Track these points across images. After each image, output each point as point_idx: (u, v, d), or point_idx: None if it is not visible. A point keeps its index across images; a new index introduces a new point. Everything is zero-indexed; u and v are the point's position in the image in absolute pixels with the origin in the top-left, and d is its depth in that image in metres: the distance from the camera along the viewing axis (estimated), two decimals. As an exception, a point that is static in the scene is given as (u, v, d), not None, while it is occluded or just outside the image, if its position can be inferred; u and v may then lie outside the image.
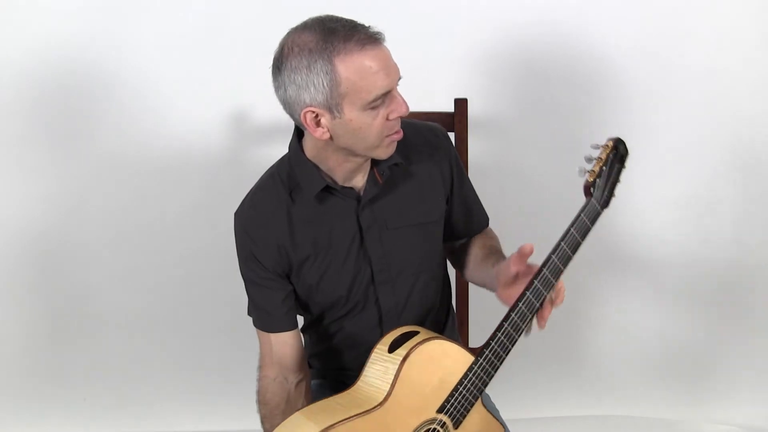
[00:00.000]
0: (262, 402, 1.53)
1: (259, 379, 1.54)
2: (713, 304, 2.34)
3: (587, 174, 1.45)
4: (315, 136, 1.36)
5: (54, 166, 2.22)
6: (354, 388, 1.40)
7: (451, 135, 1.81)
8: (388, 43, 1.33)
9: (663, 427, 2.39)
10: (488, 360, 1.38)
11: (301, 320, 1.58)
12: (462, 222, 1.61)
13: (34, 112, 2.19)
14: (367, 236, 1.47)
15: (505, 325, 1.38)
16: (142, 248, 2.27)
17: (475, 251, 1.61)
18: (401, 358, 1.35)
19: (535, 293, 1.37)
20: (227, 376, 2.30)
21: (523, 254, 1.38)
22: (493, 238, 1.66)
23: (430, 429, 1.37)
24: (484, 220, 1.65)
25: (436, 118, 1.80)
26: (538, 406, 2.34)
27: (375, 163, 1.44)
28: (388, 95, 1.31)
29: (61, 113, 2.18)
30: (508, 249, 2.30)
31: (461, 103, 1.82)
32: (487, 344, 1.38)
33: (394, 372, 1.34)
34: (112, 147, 2.21)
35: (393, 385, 1.34)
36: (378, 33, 1.31)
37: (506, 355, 1.39)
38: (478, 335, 1.75)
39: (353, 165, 1.42)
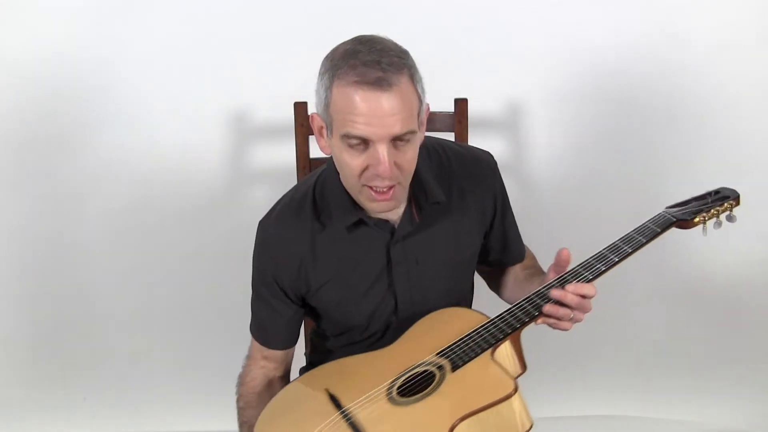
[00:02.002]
0: (241, 383, 1.53)
1: (245, 366, 1.55)
2: (713, 303, 2.34)
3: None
4: (320, 148, 1.33)
5: (54, 166, 2.22)
6: None
7: (451, 135, 1.82)
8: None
9: (663, 427, 2.39)
10: (503, 320, 1.34)
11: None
12: (497, 253, 1.57)
13: (34, 112, 2.18)
14: (395, 270, 1.42)
15: (524, 302, 1.36)
16: (142, 248, 2.26)
17: (516, 273, 1.58)
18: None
19: (564, 279, 1.35)
20: (227, 376, 2.27)
21: (560, 263, 1.35)
22: (532, 258, 1.62)
23: (426, 369, 1.33)
24: (519, 254, 1.60)
25: (436, 118, 1.80)
26: (538, 406, 2.34)
27: (415, 198, 1.39)
28: (371, 144, 1.23)
29: (61, 114, 2.18)
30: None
31: (461, 103, 1.82)
32: (504, 312, 1.36)
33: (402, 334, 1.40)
34: (112, 147, 2.21)
35: (399, 338, 1.40)
36: (391, 78, 1.20)
37: (520, 324, 1.33)
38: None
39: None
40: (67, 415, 2.38)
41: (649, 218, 1.48)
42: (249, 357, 1.55)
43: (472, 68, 2.16)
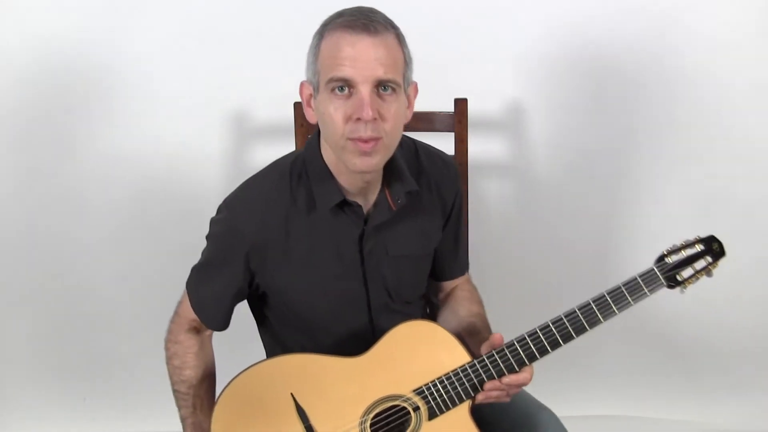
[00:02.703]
0: (174, 341, 1.49)
1: (174, 323, 1.51)
2: (713, 303, 2.34)
3: (661, 254, 1.42)
4: (307, 117, 1.34)
5: (54, 166, 2.22)
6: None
7: (451, 135, 1.82)
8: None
9: (663, 427, 2.39)
10: (487, 365, 1.33)
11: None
12: (446, 258, 1.55)
13: (34, 112, 2.18)
14: (367, 261, 1.41)
15: (517, 345, 1.34)
16: (143, 248, 2.26)
17: (460, 315, 1.52)
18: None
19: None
20: (227, 376, 2.29)
21: (492, 345, 1.35)
22: (479, 303, 1.57)
23: (402, 407, 1.32)
24: (464, 265, 1.61)
25: (436, 118, 1.80)
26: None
27: (389, 185, 1.39)
28: (354, 90, 1.24)
29: (60, 113, 2.18)
30: (507, 250, 2.31)
31: (461, 103, 1.81)
32: (492, 354, 1.34)
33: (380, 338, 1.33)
34: (113, 147, 2.21)
35: (375, 344, 1.33)
36: (377, 27, 1.24)
37: (498, 374, 1.33)
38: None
39: (360, 181, 1.35)
40: (67, 415, 2.38)
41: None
42: (179, 316, 1.50)
43: (472, 68, 2.16)
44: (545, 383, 2.38)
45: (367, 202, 1.39)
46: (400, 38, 1.29)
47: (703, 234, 1.43)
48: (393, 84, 1.25)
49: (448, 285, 1.60)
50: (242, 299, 1.48)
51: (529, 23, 2.15)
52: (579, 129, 2.23)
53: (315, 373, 1.33)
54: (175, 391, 1.49)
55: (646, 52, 2.17)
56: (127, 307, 2.31)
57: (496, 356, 1.33)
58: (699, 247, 1.42)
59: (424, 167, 1.45)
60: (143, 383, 2.35)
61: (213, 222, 1.44)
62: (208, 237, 1.45)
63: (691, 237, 1.43)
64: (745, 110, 2.21)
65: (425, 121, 1.79)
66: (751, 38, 2.16)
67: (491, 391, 1.33)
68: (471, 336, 1.46)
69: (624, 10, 2.15)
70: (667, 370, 2.40)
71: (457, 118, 1.81)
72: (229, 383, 1.36)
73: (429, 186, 1.46)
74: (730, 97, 2.20)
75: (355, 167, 1.28)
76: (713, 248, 1.42)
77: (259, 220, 1.37)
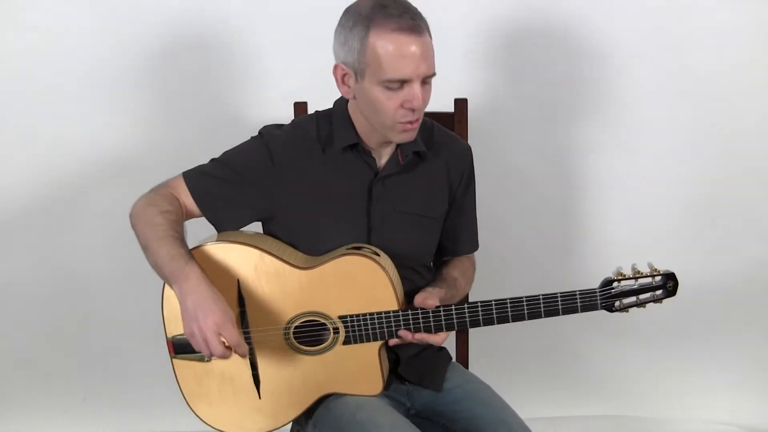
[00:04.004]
0: (150, 197, 1.52)
1: (168, 188, 1.54)
2: (713, 302, 2.34)
3: (616, 272, 1.43)
4: (341, 92, 1.46)
5: (54, 166, 2.22)
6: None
7: (451, 135, 1.82)
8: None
9: (662, 427, 2.39)
10: (409, 320, 1.44)
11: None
12: (454, 233, 1.65)
13: (35, 112, 2.19)
14: (373, 208, 1.51)
15: (441, 310, 1.45)
16: (142, 248, 2.26)
17: (439, 272, 1.65)
18: (347, 252, 1.44)
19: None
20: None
21: (423, 303, 1.46)
22: (462, 271, 1.66)
23: (324, 324, 1.45)
24: (473, 242, 1.70)
25: (436, 118, 1.80)
26: (538, 406, 2.34)
27: (401, 145, 1.51)
28: (407, 83, 1.38)
29: (61, 113, 2.18)
30: (508, 249, 2.32)
31: (461, 103, 1.82)
32: (417, 308, 1.46)
33: (333, 255, 1.45)
34: (113, 147, 2.21)
35: (323, 263, 1.44)
36: (421, 25, 1.38)
37: (420, 328, 1.45)
38: (476, 335, 1.76)
39: (380, 137, 1.49)
40: (67, 415, 2.38)
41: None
42: (172, 182, 1.54)
43: (472, 68, 2.16)
44: (545, 384, 2.40)
45: (380, 159, 1.53)
46: (429, 30, 1.42)
47: (659, 262, 1.43)
48: (433, 75, 1.43)
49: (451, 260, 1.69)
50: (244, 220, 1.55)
51: (530, 23, 2.15)
52: (578, 129, 2.24)
53: (264, 272, 1.45)
54: (153, 225, 1.46)
55: (646, 52, 2.17)
56: (127, 307, 2.31)
57: (420, 316, 1.45)
58: (654, 281, 1.43)
59: (435, 140, 1.59)
60: (143, 383, 2.35)
61: (248, 141, 1.55)
62: (235, 147, 1.54)
63: (646, 266, 1.42)
64: (746, 111, 2.22)
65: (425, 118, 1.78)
66: (752, 38, 2.17)
67: (403, 338, 1.47)
68: (448, 283, 1.59)
69: (624, 11, 2.15)
70: (667, 370, 2.40)
71: (457, 118, 1.82)
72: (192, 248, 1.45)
73: (438, 155, 1.58)
74: (731, 97, 2.20)
75: (400, 140, 1.47)
76: (668, 286, 1.44)
77: (288, 144, 1.50)
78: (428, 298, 1.46)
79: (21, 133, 2.20)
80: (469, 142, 1.83)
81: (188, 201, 1.51)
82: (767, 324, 2.36)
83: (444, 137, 1.62)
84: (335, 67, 1.45)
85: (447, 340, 1.52)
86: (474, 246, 1.71)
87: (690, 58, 2.17)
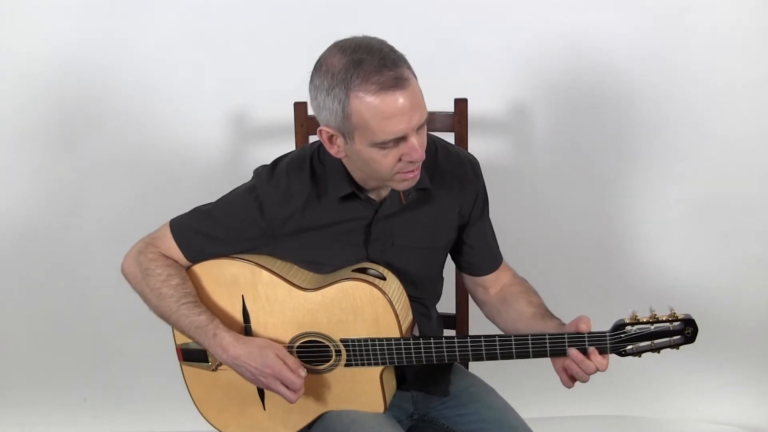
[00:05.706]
0: (147, 260, 1.53)
1: (154, 246, 1.54)
2: (713, 302, 2.34)
3: (631, 315, 1.35)
4: (331, 153, 1.37)
5: (54, 166, 2.22)
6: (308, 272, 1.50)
7: (451, 135, 1.82)
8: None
9: (662, 427, 2.39)
10: (410, 348, 1.41)
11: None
12: (477, 253, 1.58)
13: (34, 112, 2.18)
14: (371, 247, 1.47)
15: (443, 341, 1.41)
16: (142, 248, 2.26)
17: (522, 308, 1.54)
18: (350, 276, 1.42)
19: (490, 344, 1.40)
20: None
21: (577, 328, 1.39)
22: (535, 293, 1.59)
23: (327, 346, 1.44)
24: (497, 257, 1.62)
25: (436, 118, 1.80)
26: (538, 406, 2.34)
27: None
28: (401, 140, 1.29)
29: (61, 113, 2.18)
30: (508, 250, 2.31)
31: (461, 103, 1.82)
32: (419, 336, 1.45)
33: (336, 278, 1.43)
34: (113, 146, 2.21)
35: (326, 286, 1.42)
36: (403, 73, 1.26)
37: (419, 361, 1.42)
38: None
39: (379, 183, 1.42)
40: (67, 415, 2.38)
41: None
42: (159, 240, 1.53)
43: (472, 68, 2.16)
44: (545, 383, 2.39)
45: (380, 197, 1.46)
46: (411, 69, 1.30)
47: (680, 307, 1.36)
48: (426, 118, 1.33)
49: (489, 280, 1.61)
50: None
51: (530, 23, 2.15)
52: (579, 129, 2.24)
53: (270, 291, 1.45)
54: (161, 297, 1.50)
55: (646, 51, 2.17)
56: (127, 307, 2.30)
57: (422, 345, 1.41)
58: (672, 326, 1.34)
59: (440, 165, 1.49)
60: (143, 383, 2.35)
61: (242, 189, 1.49)
62: (226, 199, 1.50)
63: (664, 310, 1.35)
64: (746, 111, 2.21)
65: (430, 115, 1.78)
66: (752, 38, 2.17)
67: (573, 359, 1.41)
68: (544, 318, 1.50)
69: (624, 11, 2.15)
70: (667, 370, 2.40)
71: (457, 118, 1.81)
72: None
73: (443, 183, 1.49)
74: (730, 97, 2.20)
75: (402, 188, 1.40)
76: (686, 332, 1.35)
77: (283, 201, 1.44)
78: (578, 322, 1.39)
79: (20, 131, 2.20)
80: (469, 142, 1.83)
81: (179, 256, 1.50)
82: (767, 324, 2.36)
83: (449, 159, 1.51)
84: (319, 130, 1.35)
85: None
86: (499, 257, 1.63)
87: (690, 59, 2.17)
